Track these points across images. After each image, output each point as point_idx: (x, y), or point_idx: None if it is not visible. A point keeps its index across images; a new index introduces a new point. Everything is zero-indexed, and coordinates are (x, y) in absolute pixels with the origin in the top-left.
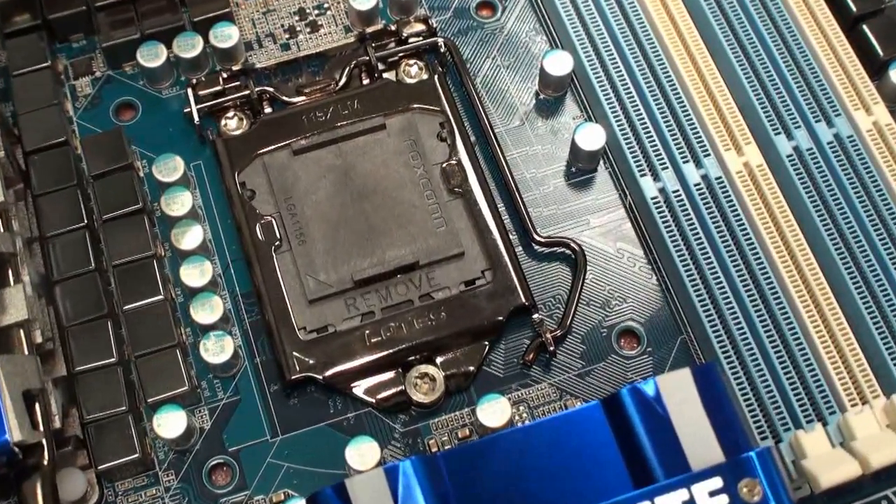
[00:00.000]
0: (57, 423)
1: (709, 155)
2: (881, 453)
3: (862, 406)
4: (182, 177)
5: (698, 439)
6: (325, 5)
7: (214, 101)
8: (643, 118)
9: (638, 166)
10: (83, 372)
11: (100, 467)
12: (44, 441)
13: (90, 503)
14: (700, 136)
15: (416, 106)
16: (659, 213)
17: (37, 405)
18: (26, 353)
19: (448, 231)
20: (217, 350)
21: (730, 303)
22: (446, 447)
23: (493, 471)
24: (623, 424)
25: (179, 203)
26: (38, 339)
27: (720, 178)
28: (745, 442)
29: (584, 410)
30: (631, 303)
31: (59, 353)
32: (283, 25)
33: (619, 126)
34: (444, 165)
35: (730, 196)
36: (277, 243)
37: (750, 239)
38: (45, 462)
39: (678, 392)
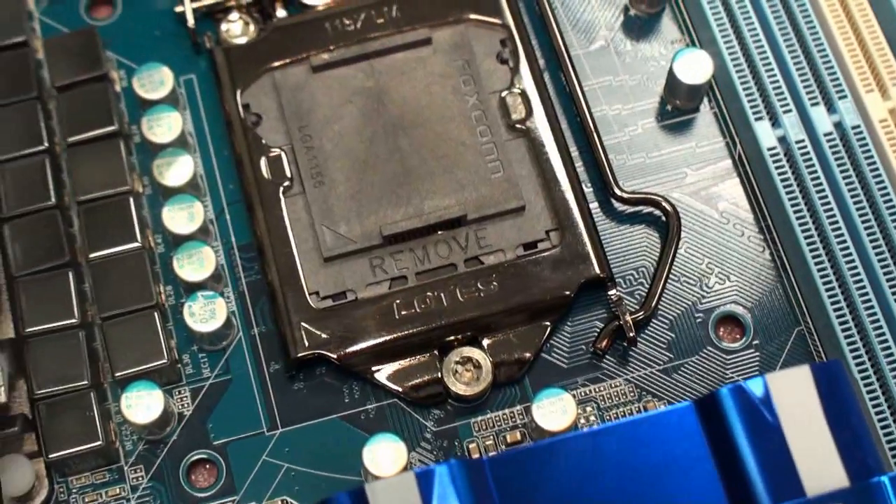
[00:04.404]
0: (1, 397)
1: (845, 97)
2: None
3: None
4: (170, 94)
5: (816, 456)
6: None
7: (215, 0)
8: (762, 46)
9: (753, 107)
10: (35, 335)
11: (51, 456)
12: None
13: (36, 501)
14: (835, 73)
15: (471, 17)
16: (777, 168)
17: None
18: None
19: (505, 178)
20: (205, 316)
21: (863, 287)
22: (491, 454)
23: (552, 484)
24: (721, 433)
25: (165, 127)
26: None
27: (858, 126)
28: (877, 463)
29: (672, 413)
30: (735, 282)
31: (7, 310)
32: None
33: (730, 55)
34: (504, 95)
35: (869, 150)
36: (287, 184)
37: (893, 206)
38: None
39: (794, 395)
